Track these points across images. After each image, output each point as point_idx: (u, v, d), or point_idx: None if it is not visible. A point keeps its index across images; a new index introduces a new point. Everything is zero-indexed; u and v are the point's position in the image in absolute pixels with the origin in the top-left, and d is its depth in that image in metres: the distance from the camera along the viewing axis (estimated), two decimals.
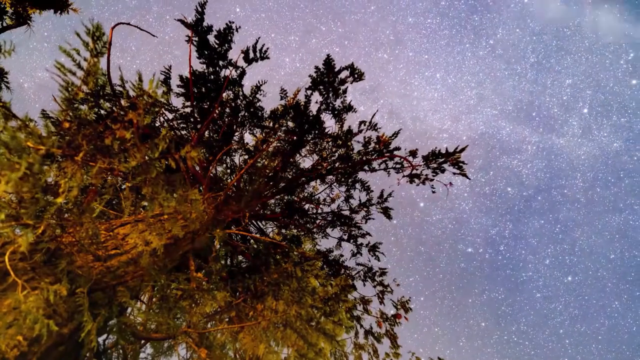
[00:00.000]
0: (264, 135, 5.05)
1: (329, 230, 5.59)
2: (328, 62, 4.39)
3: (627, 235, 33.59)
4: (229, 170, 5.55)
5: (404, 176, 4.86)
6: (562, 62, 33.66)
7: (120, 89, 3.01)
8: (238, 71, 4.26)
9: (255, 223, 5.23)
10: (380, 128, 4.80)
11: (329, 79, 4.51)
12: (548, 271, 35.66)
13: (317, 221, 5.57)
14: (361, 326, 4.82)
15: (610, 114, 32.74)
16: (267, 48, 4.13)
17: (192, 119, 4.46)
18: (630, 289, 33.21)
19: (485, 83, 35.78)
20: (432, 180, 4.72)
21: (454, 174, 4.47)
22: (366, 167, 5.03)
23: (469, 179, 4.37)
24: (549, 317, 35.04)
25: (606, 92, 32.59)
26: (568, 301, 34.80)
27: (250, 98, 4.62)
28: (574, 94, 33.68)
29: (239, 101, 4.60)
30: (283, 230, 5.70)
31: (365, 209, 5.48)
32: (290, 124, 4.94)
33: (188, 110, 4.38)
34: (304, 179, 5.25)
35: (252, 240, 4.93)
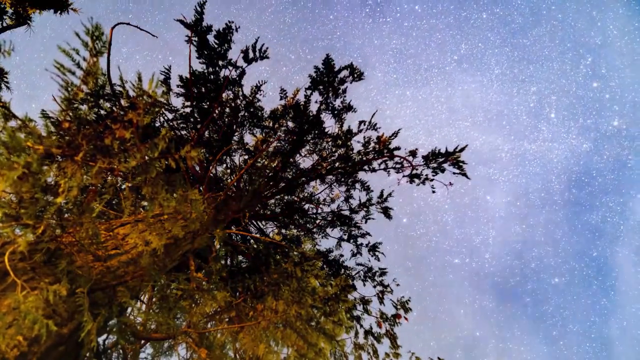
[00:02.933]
0: (264, 135, 5.05)
1: (329, 230, 5.59)
2: (327, 61, 4.39)
3: (606, 232, 34.48)
4: (229, 170, 5.55)
5: (404, 176, 4.86)
6: (525, 71, 35.16)
7: (120, 89, 3.01)
8: (238, 71, 4.26)
9: (255, 223, 5.23)
10: (379, 128, 4.81)
11: (328, 78, 4.51)
12: (535, 275, 36.39)
13: (317, 221, 5.57)
14: (361, 326, 4.82)
15: (576, 116, 34.11)
16: (267, 48, 4.13)
17: (192, 119, 4.46)
18: (616, 285, 33.85)
19: (454, 97, 37.26)
20: (432, 180, 4.72)
21: (454, 173, 4.47)
22: (366, 167, 5.03)
23: (469, 178, 4.37)
24: (541, 321, 35.60)
25: (570, 96, 34.11)
26: (558, 303, 35.41)
27: (250, 98, 4.62)
28: (540, 101, 35.19)
29: (238, 101, 4.60)
30: (283, 230, 5.70)
31: (365, 208, 5.48)
32: (290, 124, 4.95)
33: (188, 110, 4.38)
34: (304, 179, 5.25)
35: (252, 240, 4.93)
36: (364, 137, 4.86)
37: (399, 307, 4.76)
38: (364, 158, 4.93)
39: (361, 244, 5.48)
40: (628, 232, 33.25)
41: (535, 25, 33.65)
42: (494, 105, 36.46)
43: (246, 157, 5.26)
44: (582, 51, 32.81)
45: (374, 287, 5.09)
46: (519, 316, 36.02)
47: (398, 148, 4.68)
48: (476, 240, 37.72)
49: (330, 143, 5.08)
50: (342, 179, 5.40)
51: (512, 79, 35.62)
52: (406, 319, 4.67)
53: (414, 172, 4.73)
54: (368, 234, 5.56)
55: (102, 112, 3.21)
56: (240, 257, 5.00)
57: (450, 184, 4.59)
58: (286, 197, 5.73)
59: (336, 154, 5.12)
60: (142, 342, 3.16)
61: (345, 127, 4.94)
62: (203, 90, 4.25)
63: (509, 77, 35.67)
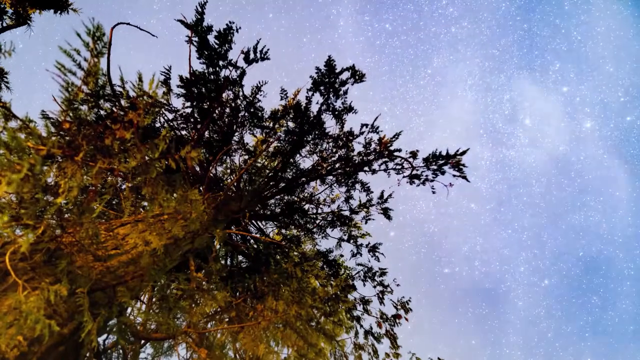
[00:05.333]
0: (264, 135, 5.05)
1: (329, 230, 5.59)
2: (329, 63, 4.39)
3: (589, 231, 35.57)
4: (229, 170, 5.55)
5: (404, 177, 4.86)
6: (496, 80, 36.92)
7: (121, 89, 3.01)
8: (238, 71, 4.26)
9: (255, 223, 5.23)
10: (381, 131, 4.81)
11: (329, 79, 4.51)
12: (524, 278, 37.23)
13: (317, 221, 5.57)
14: (361, 326, 4.82)
15: (550, 120, 35.84)
16: (268, 49, 4.13)
17: (192, 119, 4.46)
18: (605, 282, 34.68)
19: (430, 109, 38.94)
20: (432, 181, 4.72)
21: (454, 176, 4.47)
22: (366, 168, 5.03)
23: (469, 181, 4.37)
24: (535, 324, 36.15)
25: (542, 102, 35.92)
26: (549, 304, 36.06)
27: (250, 98, 4.62)
28: (514, 107, 36.97)
29: (239, 101, 4.60)
30: (283, 230, 5.70)
31: (365, 209, 5.48)
32: (291, 124, 4.95)
33: (188, 110, 4.38)
34: (304, 179, 5.25)
35: (252, 240, 4.93)
36: (365, 138, 4.87)
37: (399, 307, 4.76)
38: (365, 159, 4.94)
39: (361, 244, 5.48)
40: (611, 230, 34.34)
41: (503, 35, 35.62)
42: (470, 115, 38.22)
43: (246, 157, 5.26)
44: (550, 58, 34.82)
45: (374, 287, 5.09)
46: (512, 321, 36.64)
47: (399, 150, 4.68)
48: (464, 249, 38.74)
49: (330, 144, 5.08)
50: (342, 180, 5.40)
51: (486, 89, 37.37)
52: (406, 319, 4.67)
53: (414, 173, 4.73)
54: (368, 234, 5.56)
55: (103, 112, 3.21)
56: (240, 257, 5.00)
57: (451, 184, 4.59)
58: (286, 197, 5.73)
59: (337, 155, 5.12)
60: (142, 342, 3.16)
61: (346, 128, 4.95)
62: (203, 90, 4.25)
63: (482, 87, 37.50)
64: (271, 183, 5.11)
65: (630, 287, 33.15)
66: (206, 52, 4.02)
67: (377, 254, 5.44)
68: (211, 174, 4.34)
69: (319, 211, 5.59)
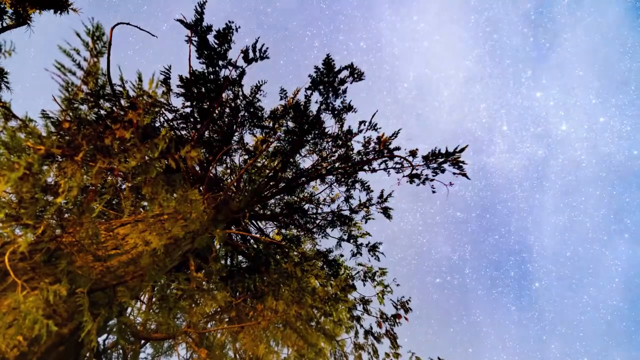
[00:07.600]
0: (264, 135, 5.05)
1: (328, 230, 5.59)
2: (328, 62, 4.39)
3: (575, 231, 36.05)
4: (229, 170, 5.55)
5: (404, 176, 4.86)
6: (471, 90, 38.00)
7: (121, 89, 3.01)
8: (238, 71, 4.26)
9: (255, 223, 5.23)
10: (380, 128, 4.80)
11: (328, 78, 4.51)
12: (515, 282, 37.73)
13: (317, 221, 5.57)
14: (361, 326, 4.82)
15: (527, 126, 36.70)
16: (267, 48, 4.13)
17: (192, 119, 4.46)
18: (594, 281, 34.99)
19: (410, 122, 40.05)
20: (432, 180, 4.72)
21: (454, 174, 4.47)
22: (366, 167, 5.03)
23: (469, 178, 4.37)
24: (529, 327, 36.52)
25: (518, 108, 36.96)
26: (542, 307, 36.44)
27: (250, 98, 4.62)
28: (491, 115, 37.97)
29: (238, 101, 4.59)
30: (283, 230, 5.70)
31: (365, 208, 5.48)
32: (290, 124, 4.94)
33: (188, 110, 4.38)
34: (304, 179, 5.25)
35: (252, 240, 4.93)
36: (364, 137, 4.86)
37: (399, 307, 4.76)
38: (364, 158, 4.93)
39: (361, 244, 5.48)
40: (595, 228, 34.74)
41: (475, 47, 36.72)
42: (448, 125, 39.17)
43: (246, 157, 5.26)
44: (522, 65, 35.81)
45: (374, 287, 5.09)
46: (507, 326, 37.03)
47: (398, 148, 4.68)
48: (454, 257, 39.30)
49: (330, 143, 5.08)
50: (342, 179, 5.39)
51: (462, 99, 38.31)
52: (406, 318, 4.67)
53: (414, 172, 4.73)
54: (368, 233, 5.56)
55: (102, 112, 3.21)
56: (240, 257, 4.99)
57: (451, 183, 4.59)
58: (286, 197, 5.73)
59: (336, 154, 5.12)
60: (142, 342, 3.16)
61: (345, 127, 4.94)
62: (203, 90, 4.25)
63: (459, 98, 38.41)
64: (271, 183, 5.11)
65: (619, 284, 33.62)
66: (206, 52, 4.02)
67: (377, 253, 5.44)
68: (211, 174, 4.34)
69: (319, 211, 5.59)
